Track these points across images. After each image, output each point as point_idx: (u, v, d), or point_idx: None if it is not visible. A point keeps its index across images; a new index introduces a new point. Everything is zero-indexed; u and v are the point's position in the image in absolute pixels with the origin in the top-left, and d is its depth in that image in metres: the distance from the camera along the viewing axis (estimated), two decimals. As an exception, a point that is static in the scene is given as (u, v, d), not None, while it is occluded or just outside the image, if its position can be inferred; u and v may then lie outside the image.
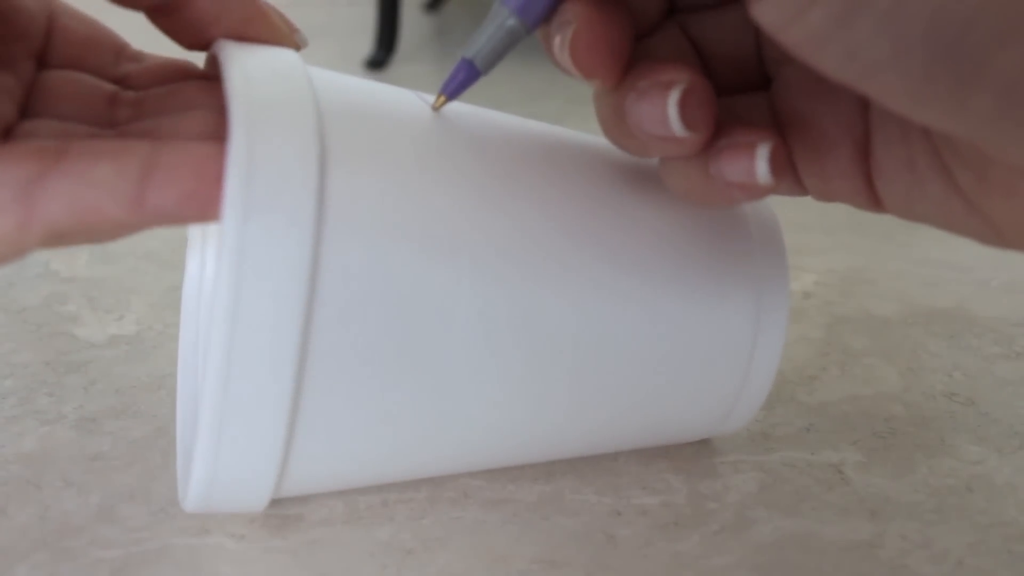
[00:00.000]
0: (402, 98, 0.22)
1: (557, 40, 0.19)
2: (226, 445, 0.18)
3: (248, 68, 0.18)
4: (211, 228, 0.28)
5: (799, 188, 0.22)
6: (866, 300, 0.38)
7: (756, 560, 0.23)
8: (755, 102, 0.22)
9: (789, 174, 0.21)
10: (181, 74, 0.22)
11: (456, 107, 0.22)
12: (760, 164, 0.19)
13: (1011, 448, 0.28)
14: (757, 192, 0.19)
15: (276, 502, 0.24)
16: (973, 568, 0.23)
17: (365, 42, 0.88)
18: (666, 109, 0.18)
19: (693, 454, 0.27)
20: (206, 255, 0.28)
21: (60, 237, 0.18)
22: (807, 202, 0.26)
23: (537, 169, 0.22)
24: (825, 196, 0.21)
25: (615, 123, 0.20)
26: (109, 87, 0.21)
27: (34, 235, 0.17)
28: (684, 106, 0.18)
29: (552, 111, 0.65)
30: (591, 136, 0.24)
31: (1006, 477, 0.27)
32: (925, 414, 0.30)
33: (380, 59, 0.83)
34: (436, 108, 0.22)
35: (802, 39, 0.15)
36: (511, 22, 0.20)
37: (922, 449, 0.28)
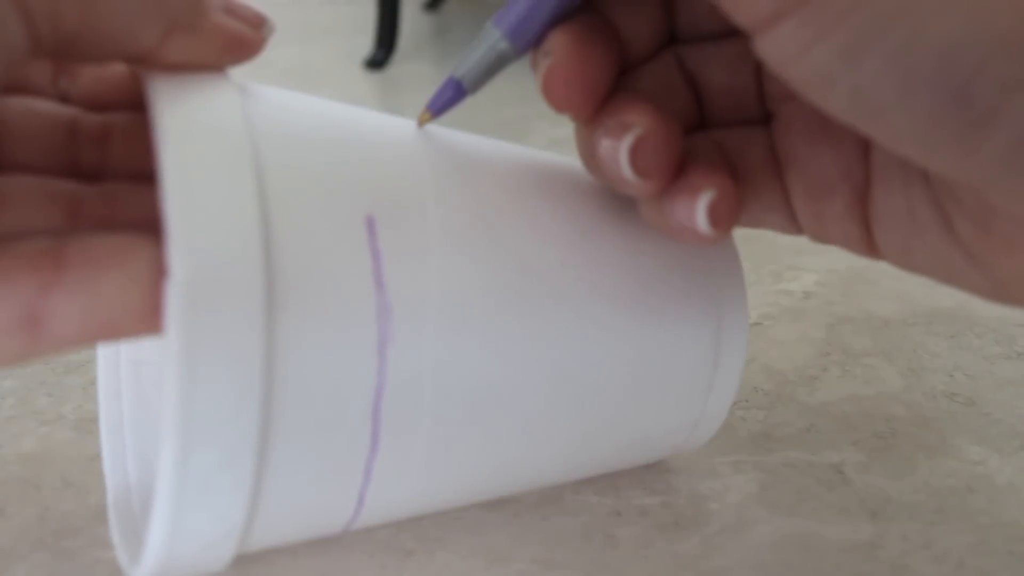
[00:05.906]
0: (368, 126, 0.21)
1: (537, 69, 0.19)
2: (185, 517, 0.17)
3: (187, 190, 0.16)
4: None
5: (794, 227, 0.21)
6: (867, 300, 0.38)
7: (756, 560, 0.23)
8: (753, 137, 0.21)
9: (733, 224, 0.20)
10: (123, 90, 0.21)
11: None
12: (699, 212, 0.18)
13: (1012, 448, 0.28)
14: (700, 238, 0.19)
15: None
16: (974, 569, 0.23)
17: (365, 42, 0.88)
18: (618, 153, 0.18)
19: (693, 454, 0.27)
20: None
21: (70, 349, 0.17)
22: (808, 202, 0.25)
23: (500, 192, 0.21)
24: (821, 238, 0.21)
25: (588, 155, 0.20)
26: (66, 112, 0.20)
27: (42, 353, 0.16)
28: (635, 153, 0.18)
29: (550, 110, 0.65)
30: (551, 155, 0.24)
31: (1007, 477, 0.27)
32: (926, 414, 0.30)
33: (380, 59, 0.83)
34: (421, 124, 0.22)
35: (807, 76, 0.15)
36: (502, 45, 0.20)
37: (923, 449, 0.28)
